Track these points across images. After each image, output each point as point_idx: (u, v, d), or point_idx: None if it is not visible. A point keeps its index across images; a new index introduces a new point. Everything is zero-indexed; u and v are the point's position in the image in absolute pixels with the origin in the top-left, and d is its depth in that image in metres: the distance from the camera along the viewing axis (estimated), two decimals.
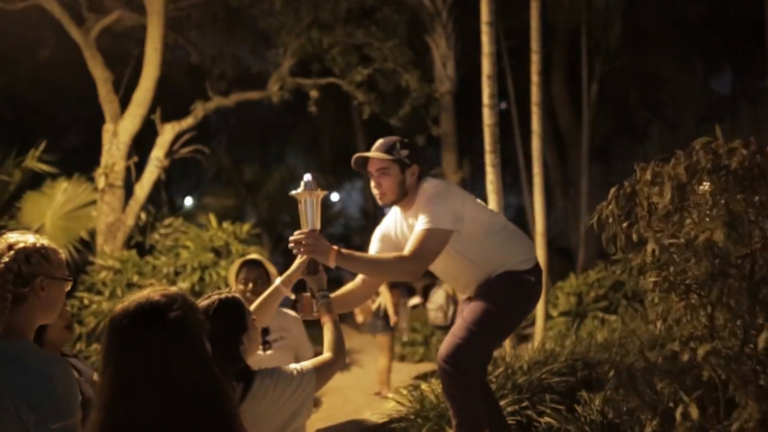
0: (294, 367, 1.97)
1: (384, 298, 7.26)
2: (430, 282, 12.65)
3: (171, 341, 1.38)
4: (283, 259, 13.91)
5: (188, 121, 8.53)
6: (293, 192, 2.34)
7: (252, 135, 20.27)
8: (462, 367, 2.58)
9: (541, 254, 5.73)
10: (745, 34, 16.47)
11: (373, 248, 2.84)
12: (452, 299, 9.38)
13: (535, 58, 6.67)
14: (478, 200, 2.85)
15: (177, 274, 6.93)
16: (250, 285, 3.20)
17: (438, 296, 8.84)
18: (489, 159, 5.63)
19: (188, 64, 11.84)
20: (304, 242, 2.32)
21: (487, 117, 5.56)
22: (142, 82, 7.97)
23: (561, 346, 3.81)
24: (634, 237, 1.82)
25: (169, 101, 9.78)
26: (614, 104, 15.28)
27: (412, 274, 2.63)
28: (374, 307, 7.15)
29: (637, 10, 12.67)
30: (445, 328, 8.95)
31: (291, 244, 2.33)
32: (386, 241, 2.84)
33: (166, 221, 8.08)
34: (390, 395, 7.27)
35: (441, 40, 9.75)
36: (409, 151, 2.68)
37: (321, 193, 2.31)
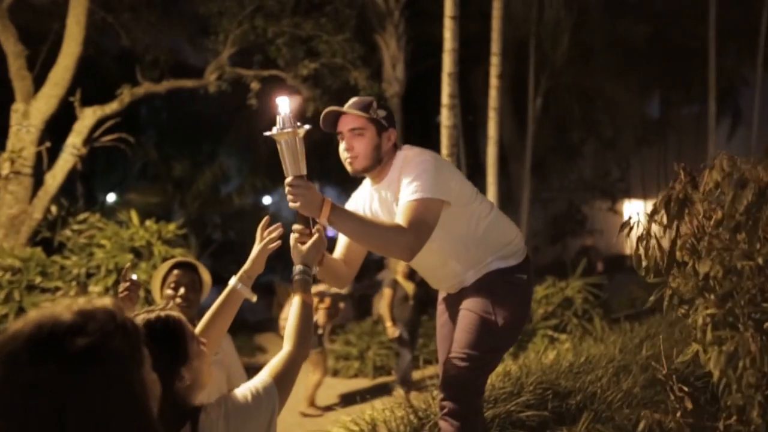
0: (246, 388, 1.45)
1: (318, 315, 6.62)
2: (365, 292, 12.20)
3: (73, 383, 0.88)
4: (211, 263, 13.13)
5: (112, 107, 7.69)
6: (268, 132, 1.88)
7: (184, 132, 19.29)
8: (471, 402, 2.25)
9: None
10: (680, 60, 17.06)
11: None
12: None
13: (494, 61, 6.38)
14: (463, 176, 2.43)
15: (89, 276, 6.16)
16: (182, 290, 2.66)
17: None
18: None
19: (119, 48, 10.93)
20: (288, 191, 1.92)
21: (446, 118, 5.21)
22: (61, 60, 7.12)
23: (527, 374, 3.40)
24: (679, 255, 1.42)
25: (95, 88, 8.92)
26: (555, 120, 15.41)
27: (408, 251, 2.10)
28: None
29: (585, 28, 12.76)
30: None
31: (288, 196, 1.93)
32: None
33: (81, 216, 7.21)
34: (310, 412, 6.76)
35: (391, 41, 9.36)
36: (387, 113, 2.31)
37: (302, 130, 1.88)
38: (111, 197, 16.72)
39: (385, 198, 2.33)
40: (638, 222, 1.45)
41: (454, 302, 2.49)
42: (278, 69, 8.62)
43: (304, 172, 1.92)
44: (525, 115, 12.68)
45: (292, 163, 1.90)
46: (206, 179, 11.55)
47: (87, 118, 7.54)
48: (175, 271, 2.71)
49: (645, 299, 8.61)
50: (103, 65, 11.34)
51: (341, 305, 8.31)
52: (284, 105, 1.85)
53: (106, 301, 0.94)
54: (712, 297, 1.35)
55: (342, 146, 2.27)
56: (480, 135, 14.04)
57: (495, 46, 6.41)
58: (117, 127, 7.86)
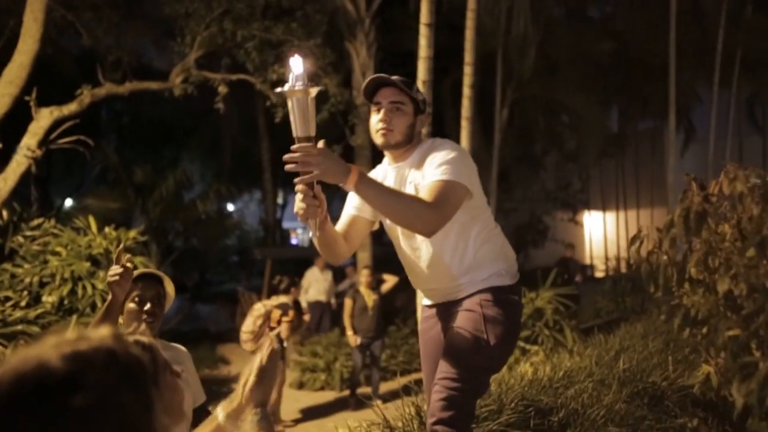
0: None
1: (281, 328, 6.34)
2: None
3: None
4: (172, 271, 12.73)
5: (71, 107, 7.35)
6: (279, 89, 1.84)
7: (146, 136, 18.82)
8: (464, 427, 2.16)
9: None
10: (639, 76, 17.48)
11: (349, 203, 2.38)
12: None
13: (467, 71, 6.34)
14: None
15: (43, 285, 5.85)
16: (148, 305, 2.45)
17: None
18: None
19: (80, 48, 10.54)
20: (302, 159, 1.82)
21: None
22: (16, 57, 6.77)
23: (507, 391, 3.31)
24: (693, 272, 1.34)
25: (53, 88, 8.56)
26: (520, 131, 15.57)
27: (431, 224, 2.06)
28: (274, 333, 6.28)
29: (551, 42, 12.94)
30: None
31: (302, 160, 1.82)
32: None
33: (34, 222, 6.86)
34: (279, 429, 6.53)
35: (362, 49, 9.26)
36: (423, 98, 2.34)
37: (314, 90, 1.84)
38: (69, 202, 16.13)
39: (402, 175, 2.30)
40: (648, 235, 1.37)
41: (443, 317, 2.38)
42: (246, 73, 8.43)
43: (314, 133, 1.85)
44: (491, 127, 12.75)
45: (302, 124, 1.83)
46: (169, 185, 11.20)
47: (43, 118, 7.20)
48: (140, 284, 2.51)
49: (610, 309, 8.69)
50: (62, 65, 10.93)
51: (306, 317, 8.13)
52: (298, 64, 1.81)
53: (104, 334, 0.72)
54: (734, 317, 1.28)
55: (377, 117, 2.26)
56: None
57: (468, 56, 6.38)
58: (76, 129, 7.53)
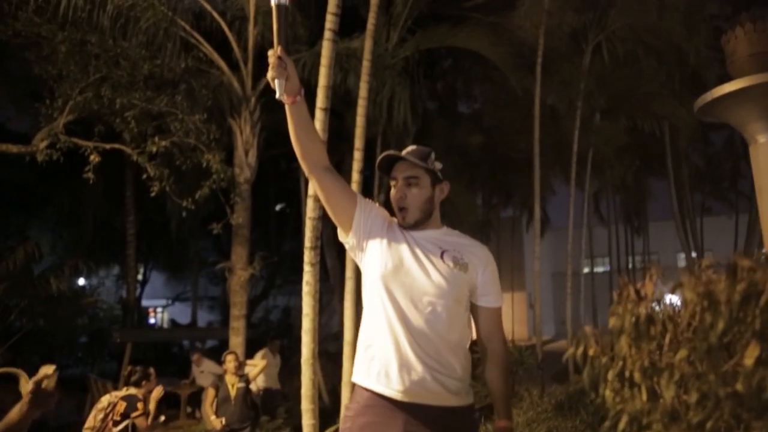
0: None
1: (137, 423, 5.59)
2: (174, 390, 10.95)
3: None
4: (12, 356, 11.17)
5: None
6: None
7: None
8: None
9: None
10: (503, 169, 18.90)
11: (367, 201, 2.23)
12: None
13: (357, 156, 6.45)
14: None
15: None
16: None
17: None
18: (308, 256, 5.04)
19: None
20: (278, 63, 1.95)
21: (311, 210, 5.05)
22: None
23: None
24: (637, 377, 1.34)
25: None
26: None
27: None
28: (119, 428, 5.53)
29: (426, 132, 13.65)
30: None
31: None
32: (373, 217, 2.21)
33: None
34: None
35: (246, 127, 9.14)
36: (442, 166, 2.29)
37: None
38: None
39: (428, 238, 2.21)
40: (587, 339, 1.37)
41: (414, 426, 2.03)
42: (121, 142, 7.92)
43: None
44: None
45: (283, 31, 1.94)
46: (18, 257, 9.98)
47: None
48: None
49: (484, 393, 8.75)
50: None
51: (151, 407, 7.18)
52: None
53: None
54: (682, 425, 1.28)
55: (395, 195, 2.23)
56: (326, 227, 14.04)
57: (358, 142, 6.53)
58: None
